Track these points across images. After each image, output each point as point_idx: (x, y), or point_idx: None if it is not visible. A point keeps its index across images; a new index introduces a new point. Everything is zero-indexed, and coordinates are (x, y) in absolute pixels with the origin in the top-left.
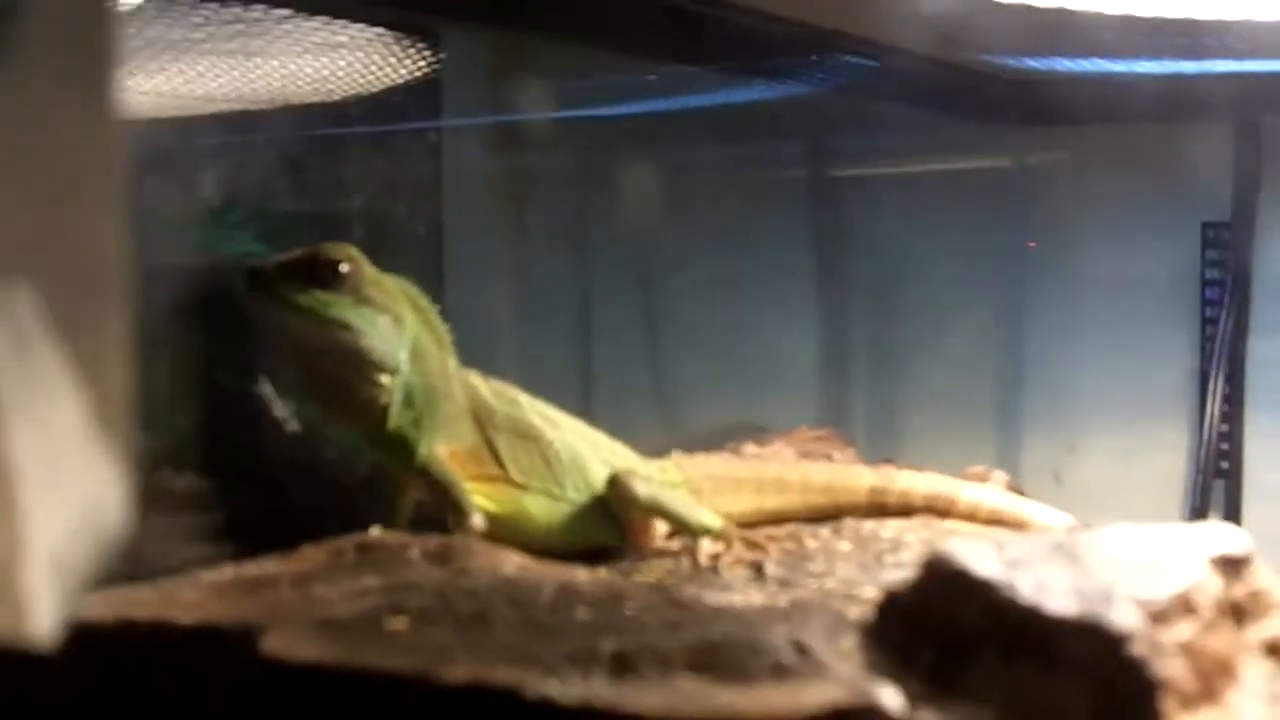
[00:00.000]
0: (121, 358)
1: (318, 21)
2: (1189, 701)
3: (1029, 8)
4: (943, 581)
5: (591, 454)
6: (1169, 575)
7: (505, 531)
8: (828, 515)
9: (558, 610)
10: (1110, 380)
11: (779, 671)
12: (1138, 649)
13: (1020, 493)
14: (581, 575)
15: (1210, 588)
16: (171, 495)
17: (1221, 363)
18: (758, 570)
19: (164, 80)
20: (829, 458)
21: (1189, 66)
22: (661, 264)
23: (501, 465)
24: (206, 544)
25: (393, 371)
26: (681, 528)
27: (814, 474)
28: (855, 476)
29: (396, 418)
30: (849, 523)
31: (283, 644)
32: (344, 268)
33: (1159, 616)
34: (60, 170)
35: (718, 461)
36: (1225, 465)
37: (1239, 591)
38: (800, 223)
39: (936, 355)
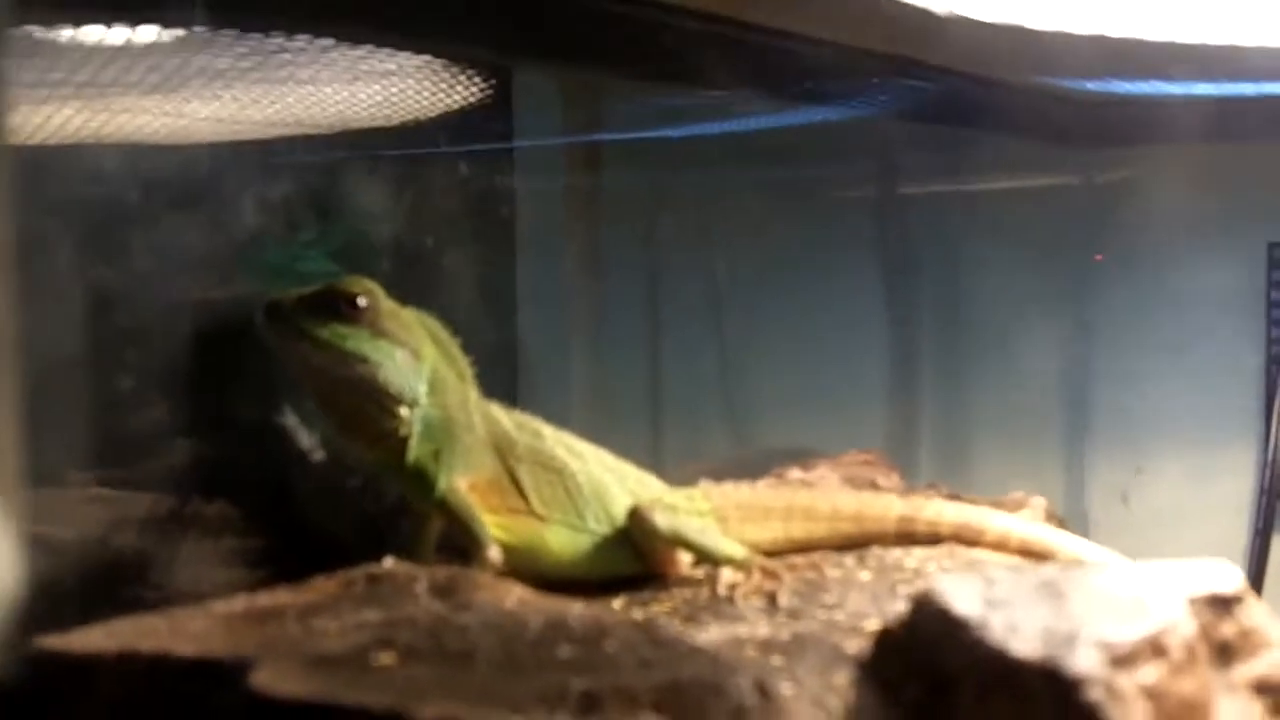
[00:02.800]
0: (13, 419)
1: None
2: None
3: (1096, 37)
4: (928, 618)
5: (616, 485)
6: (1142, 616)
7: (526, 563)
8: (856, 544)
9: (541, 647)
10: (1177, 401)
11: (738, 714)
12: (1093, 694)
13: (1059, 521)
14: (576, 609)
15: (1183, 629)
16: (204, 522)
17: None
18: (772, 600)
19: (226, 106)
20: (874, 482)
21: (1253, 89)
22: (731, 286)
23: (523, 496)
24: (235, 569)
25: (411, 404)
26: (704, 557)
27: (842, 503)
28: (884, 505)
29: (416, 450)
30: (875, 551)
31: (271, 679)
32: (361, 301)
33: (1123, 660)
34: None
35: (746, 490)
36: None
37: (1228, 630)
38: (868, 244)
39: (1004, 376)
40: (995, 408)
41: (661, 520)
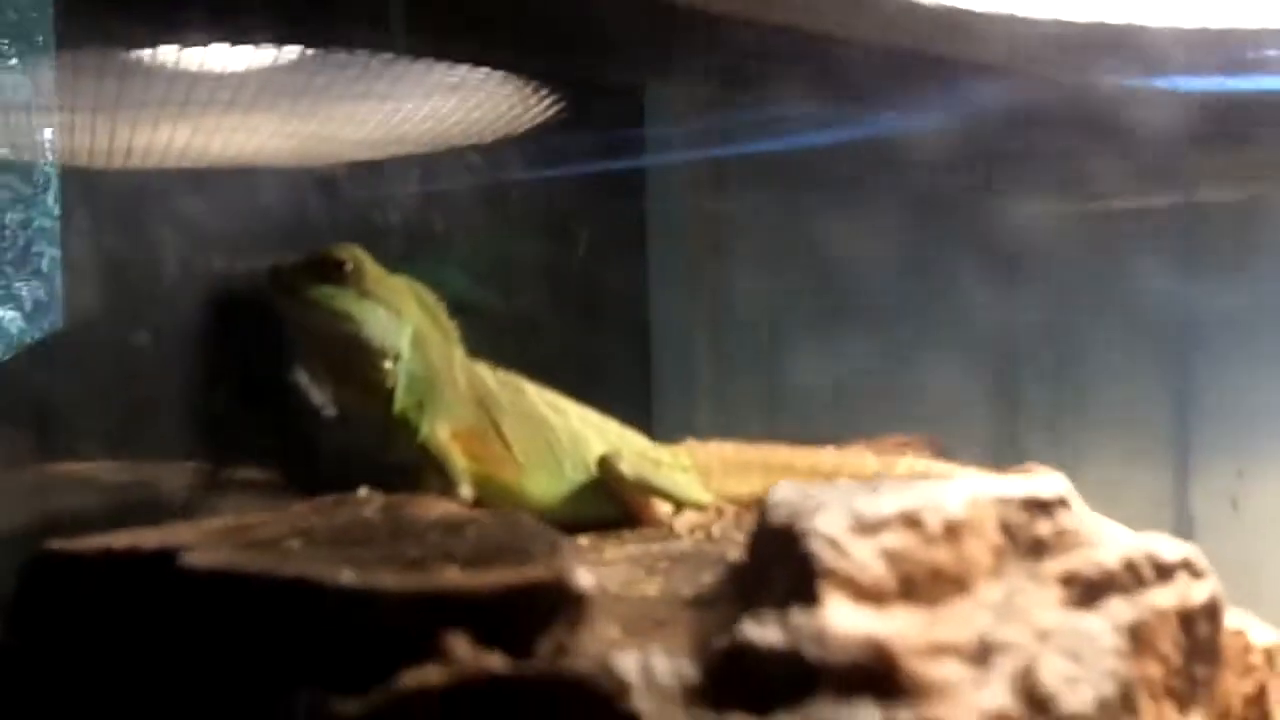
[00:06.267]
0: None
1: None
2: (877, 596)
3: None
4: (763, 516)
5: (597, 438)
6: (914, 500)
7: (505, 504)
8: None
9: (422, 535)
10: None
11: (522, 558)
12: (812, 544)
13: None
14: (476, 514)
15: (949, 510)
16: (240, 474)
17: None
18: (709, 534)
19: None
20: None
21: None
22: (846, 286)
23: (505, 444)
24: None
25: (394, 358)
26: (671, 501)
27: (822, 459)
28: (860, 462)
29: (401, 400)
30: None
31: (196, 557)
32: (348, 266)
33: (867, 527)
34: None
35: (730, 448)
36: None
37: (1043, 529)
38: (973, 248)
39: (1107, 379)
40: (1100, 411)
41: (626, 467)
